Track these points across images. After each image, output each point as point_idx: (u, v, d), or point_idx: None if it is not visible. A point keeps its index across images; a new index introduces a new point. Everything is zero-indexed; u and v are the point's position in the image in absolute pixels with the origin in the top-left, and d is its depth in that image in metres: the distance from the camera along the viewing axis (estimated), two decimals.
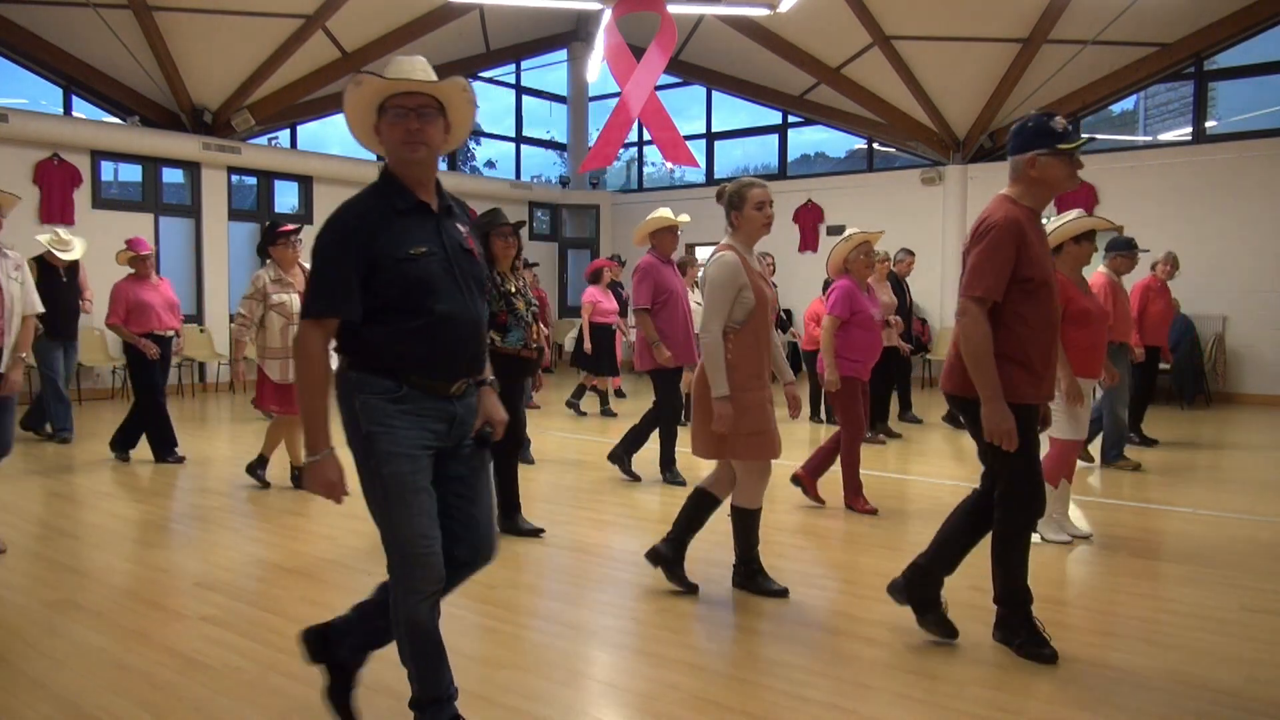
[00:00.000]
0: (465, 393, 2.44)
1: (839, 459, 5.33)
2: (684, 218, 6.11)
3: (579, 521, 5.18)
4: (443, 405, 2.37)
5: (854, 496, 5.29)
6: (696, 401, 3.71)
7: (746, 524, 3.82)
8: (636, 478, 6.18)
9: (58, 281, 7.53)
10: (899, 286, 8.58)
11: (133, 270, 6.87)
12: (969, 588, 3.65)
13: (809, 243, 14.12)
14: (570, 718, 2.76)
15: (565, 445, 7.94)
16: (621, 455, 6.24)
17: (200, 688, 2.90)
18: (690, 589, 3.83)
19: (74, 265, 7.77)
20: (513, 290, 4.58)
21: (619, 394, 10.95)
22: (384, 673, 3.02)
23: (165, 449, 6.80)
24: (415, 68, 2.33)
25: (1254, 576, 4.14)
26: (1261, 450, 7.75)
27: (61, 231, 7.86)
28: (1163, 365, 10.47)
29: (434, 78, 2.34)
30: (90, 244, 7.99)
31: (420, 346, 2.30)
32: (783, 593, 3.79)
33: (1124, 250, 6.29)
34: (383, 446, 2.29)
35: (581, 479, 6.36)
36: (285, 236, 5.77)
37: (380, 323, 2.28)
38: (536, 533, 4.77)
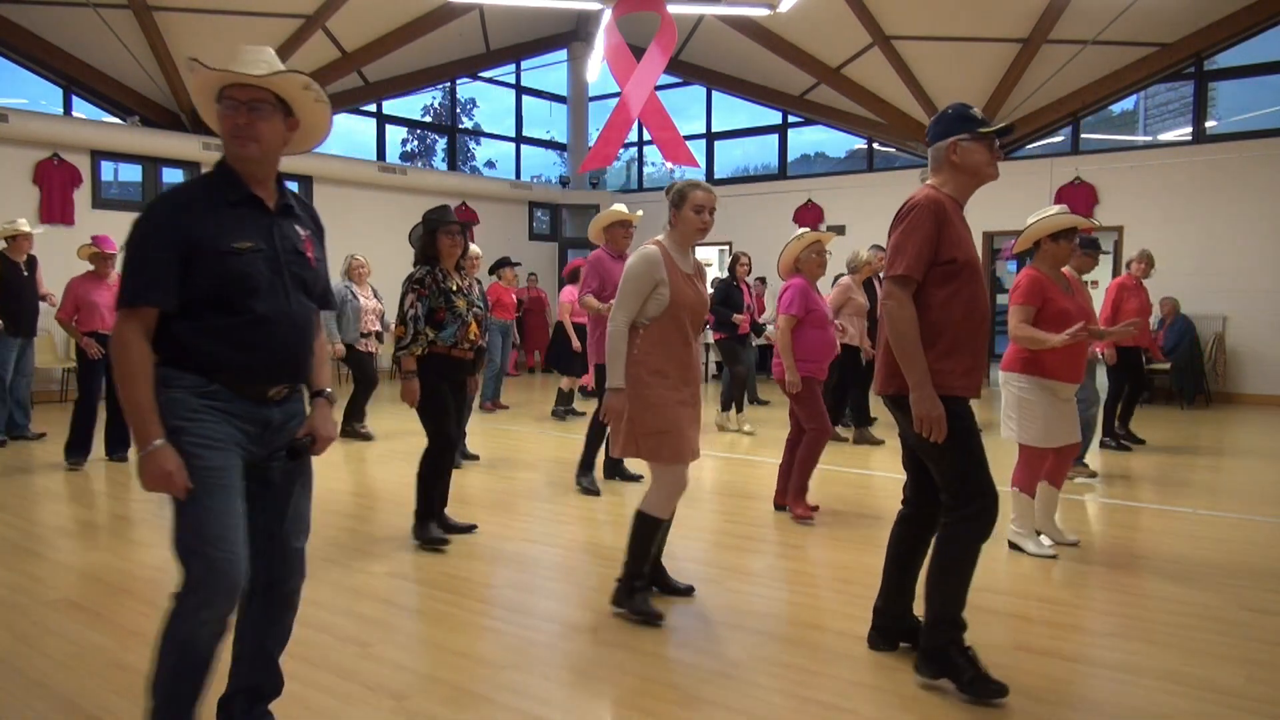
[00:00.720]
0: (285, 399, 2.32)
1: (797, 459, 5.15)
2: (639, 214, 6.02)
3: (578, 521, 5.18)
4: (255, 409, 2.24)
5: (796, 498, 5.12)
6: (631, 402, 3.54)
7: (642, 532, 3.56)
8: (636, 477, 6.18)
9: (19, 276, 7.43)
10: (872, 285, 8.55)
11: (92, 267, 6.82)
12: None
13: None
14: (570, 718, 2.76)
15: (563, 445, 7.94)
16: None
17: None
18: (653, 618, 3.53)
19: (32, 261, 7.69)
20: (453, 288, 4.51)
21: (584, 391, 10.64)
22: (384, 673, 3.02)
23: (79, 451, 6.63)
24: (252, 60, 2.20)
25: (1254, 576, 4.14)
26: (1261, 450, 7.74)
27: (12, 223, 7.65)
28: (1160, 365, 10.55)
29: (278, 69, 2.20)
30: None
31: (232, 346, 2.17)
32: (655, 619, 3.50)
33: (1087, 249, 6.19)
34: (188, 439, 2.12)
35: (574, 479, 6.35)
36: None
37: (193, 317, 2.15)
38: (469, 529, 4.80)
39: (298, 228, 2.36)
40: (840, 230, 13.62)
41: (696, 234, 3.59)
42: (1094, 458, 6.71)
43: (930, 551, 3.01)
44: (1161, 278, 11.38)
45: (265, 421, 2.27)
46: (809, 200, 14.21)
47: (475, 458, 6.97)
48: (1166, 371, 10.73)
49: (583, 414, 9.46)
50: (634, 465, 6.05)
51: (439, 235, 4.50)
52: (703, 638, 3.39)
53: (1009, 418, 4.48)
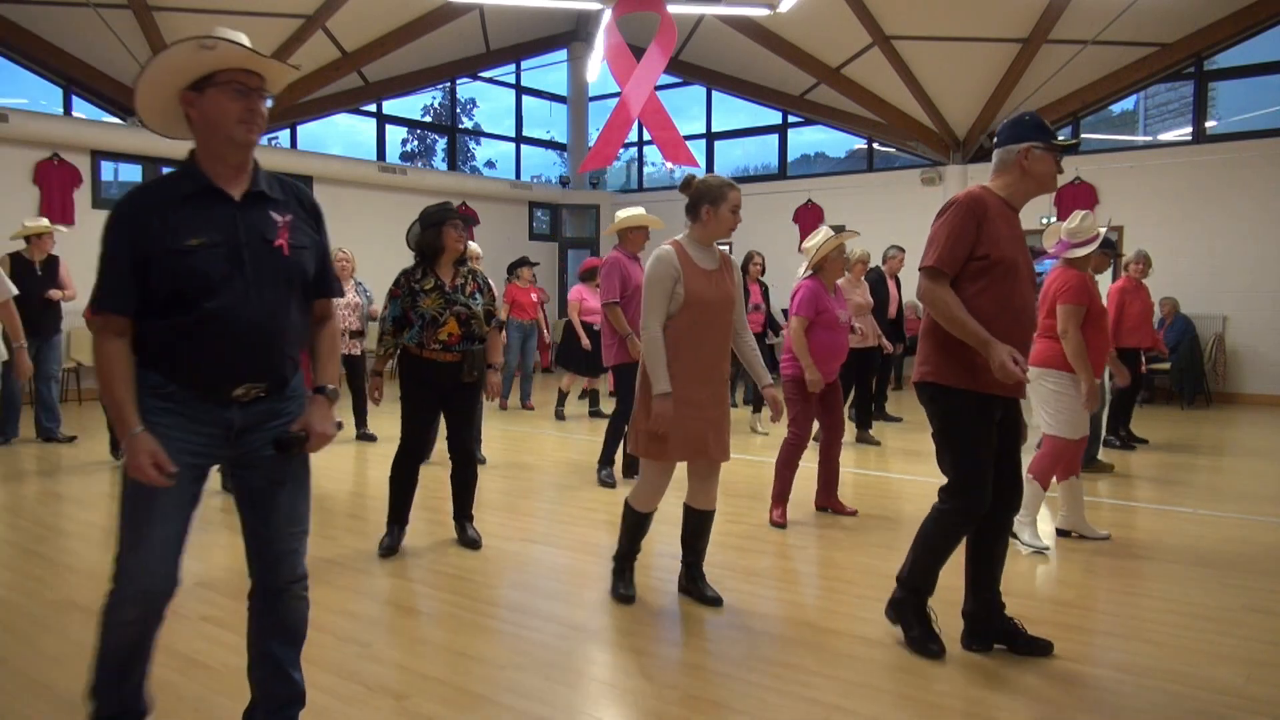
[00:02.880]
0: (259, 400, 2.23)
1: (775, 461, 5.13)
2: (659, 223, 6.10)
3: (578, 521, 5.18)
4: (217, 411, 2.19)
5: (777, 503, 5.10)
6: (638, 399, 3.63)
7: (627, 520, 3.82)
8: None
9: (30, 275, 7.45)
10: (883, 284, 8.60)
11: None
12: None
13: None
14: (570, 718, 2.76)
15: (563, 446, 7.94)
16: (604, 463, 6.24)
17: (200, 688, 2.90)
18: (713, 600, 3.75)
19: (52, 261, 7.73)
20: (428, 287, 4.34)
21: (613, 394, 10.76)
22: (384, 673, 3.02)
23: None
24: (242, 41, 2.12)
25: (1254, 576, 4.14)
26: (1262, 450, 7.75)
27: (28, 222, 7.87)
28: (1161, 365, 10.55)
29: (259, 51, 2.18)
30: (90, 244, 7.97)
31: (187, 345, 2.13)
32: (626, 600, 3.74)
33: (1104, 249, 6.25)
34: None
35: (580, 479, 6.36)
36: None
37: (154, 317, 2.13)
38: (475, 545, 4.61)
39: (273, 214, 2.23)
40: (840, 230, 13.64)
41: (727, 233, 3.64)
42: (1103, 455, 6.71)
43: (928, 521, 3.18)
44: (1161, 278, 11.39)
45: (228, 425, 2.20)
46: (809, 200, 14.21)
47: (482, 461, 6.89)
48: (1166, 371, 10.73)
49: (564, 418, 9.50)
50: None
51: (445, 229, 4.36)
52: (703, 638, 3.39)
53: (1042, 413, 4.63)
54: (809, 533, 4.91)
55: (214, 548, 4.62)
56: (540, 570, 4.29)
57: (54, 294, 7.69)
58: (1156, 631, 3.42)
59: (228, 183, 2.17)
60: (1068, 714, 2.74)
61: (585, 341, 9.09)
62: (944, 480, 3.15)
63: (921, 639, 3.17)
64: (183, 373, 2.16)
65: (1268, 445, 7.61)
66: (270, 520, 2.30)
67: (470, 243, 7.27)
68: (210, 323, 2.12)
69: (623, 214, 5.98)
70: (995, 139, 3.27)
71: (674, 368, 3.51)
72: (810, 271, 5.32)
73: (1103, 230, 5.05)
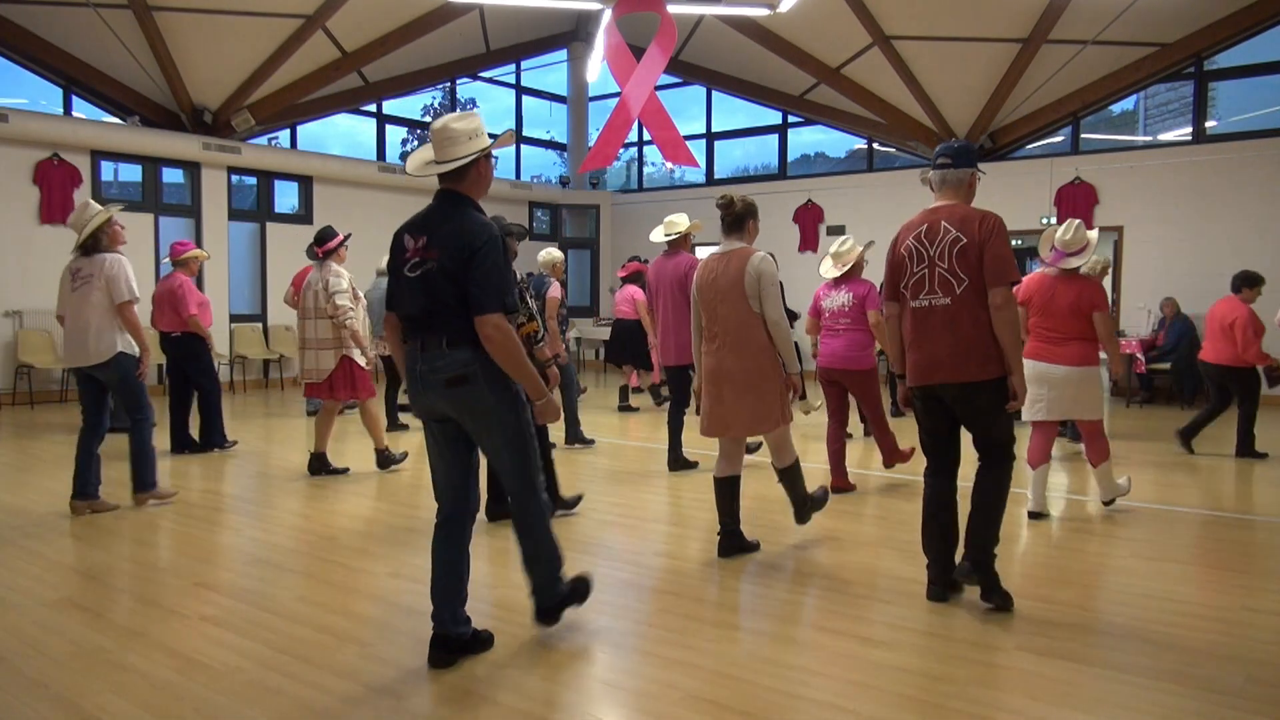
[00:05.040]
0: None
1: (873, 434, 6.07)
2: (699, 226, 6.86)
3: (578, 521, 5.18)
4: None
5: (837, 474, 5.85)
6: (776, 376, 4.23)
7: (798, 470, 4.52)
8: (694, 464, 6.56)
9: None
10: None
11: (177, 269, 7.47)
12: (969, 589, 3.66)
13: (809, 243, 14.13)
14: (570, 718, 2.76)
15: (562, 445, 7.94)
16: (674, 460, 6.59)
17: (200, 688, 2.90)
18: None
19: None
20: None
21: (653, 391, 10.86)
22: (384, 673, 3.02)
23: (219, 437, 7.56)
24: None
25: (1254, 576, 4.14)
26: (1261, 450, 7.73)
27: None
28: (1160, 365, 10.56)
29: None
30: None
31: None
32: (821, 500, 4.70)
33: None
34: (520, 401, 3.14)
35: (578, 480, 6.36)
36: (344, 242, 6.50)
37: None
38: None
39: None
40: (840, 230, 13.65)
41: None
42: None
43: (978, 506, 3.64)
44: (1161, 278, 11.42)
45: None
46: (809, 200, 14.21)
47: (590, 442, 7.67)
48: (1166, 371, 10.72)
49: (637, 409, 10.12)
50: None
51: (510, 241, 4.53)
52: (703, 637, 3.39)
53: (1083, 404, 5.14)
54: (807, 532, 4.90)
55: (214, 547, 4.62)
56: None
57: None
58: (1157, 631, 3.42)
59: None
60: (1068, 714, 2.74)
61: (653, 338, 9.13)
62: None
63: (1005, 593, 3.59)
64: None
65: (1268, 445, 7.58)
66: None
67: (551, 249, 7.66)
68: None
69: (683, 220, 6.61)
70: (953, 161, 3.75)
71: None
72: (839, 273, 5.88)
73: (1093, 238, 5.19)
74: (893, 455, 6.02)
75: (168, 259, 7.74)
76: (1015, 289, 3.62)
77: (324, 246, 6.36)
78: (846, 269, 5.83)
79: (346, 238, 6.50)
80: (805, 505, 4.55)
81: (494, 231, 3.01)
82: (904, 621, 3.48)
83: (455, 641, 3.10)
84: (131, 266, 5.27)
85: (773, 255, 4.35)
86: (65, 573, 4.16)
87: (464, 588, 3.16)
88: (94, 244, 5.20)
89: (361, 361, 6.39)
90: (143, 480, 5.39)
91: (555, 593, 3.32)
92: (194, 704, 2.78)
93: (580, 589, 3.42)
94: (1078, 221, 5.28)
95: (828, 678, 3.00)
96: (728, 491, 4.36)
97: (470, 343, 2.98)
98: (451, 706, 2.80)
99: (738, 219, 4.28)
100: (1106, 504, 5.34)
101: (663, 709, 2.77)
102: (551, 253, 8.14)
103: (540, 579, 3.28)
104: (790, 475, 4.47)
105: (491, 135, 3.18)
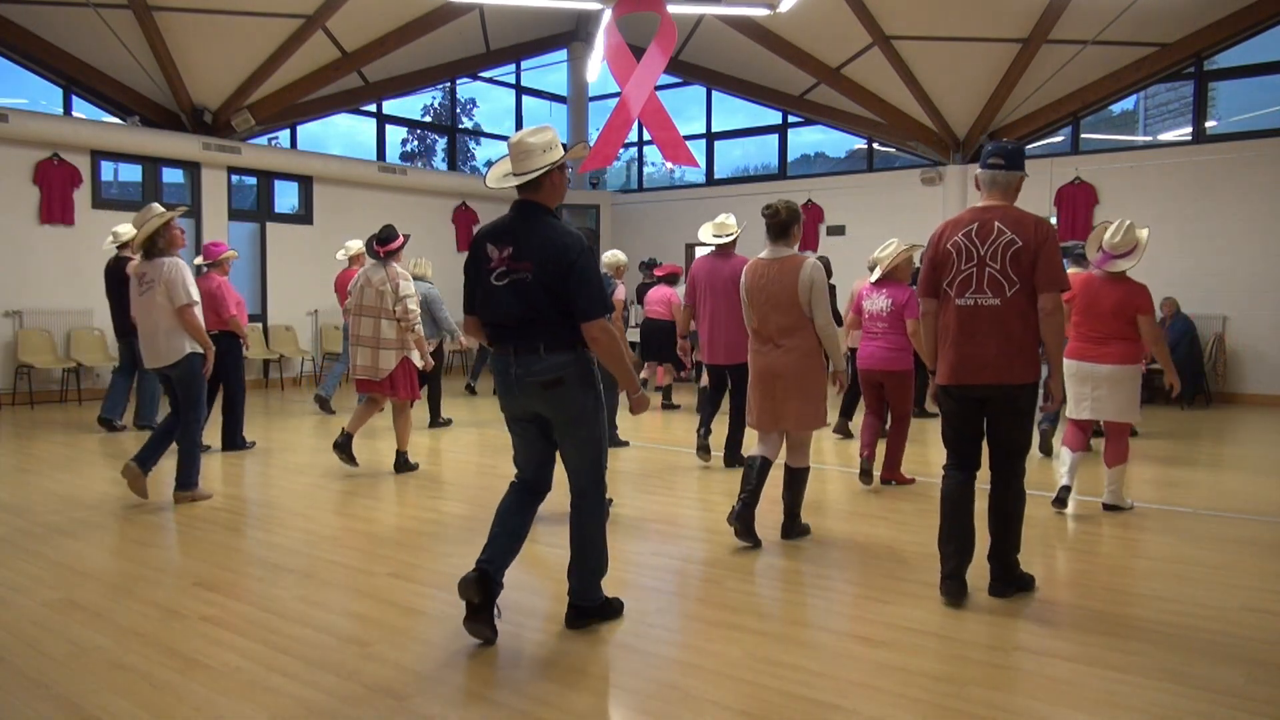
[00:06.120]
0: None
1: (888, 438, 6.10)
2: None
3: None
4: None
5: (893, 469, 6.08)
6: (819, 377, 4.50)
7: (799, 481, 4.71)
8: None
9: (121, 274, 7.56)
10: None
11: (210, 270, 7.42)
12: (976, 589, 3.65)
13: (809, 243, 14.11)
14: (570, 718, 2.76)
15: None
16: (732, 456, 6.67)
17: (200, 688, 2.90)
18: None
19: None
20: None
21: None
22: (384, 673, 3.02)
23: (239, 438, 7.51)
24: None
25: (1254, 576, 4.14)
26: (1261, 450, 7.74)
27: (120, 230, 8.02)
28: (1160, 365, 10.54)
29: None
30: (90, 244, 7.99)
31: None
32: (805, 530, 4.73)
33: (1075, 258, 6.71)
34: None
35: None
36: (406, 242, 6.48)
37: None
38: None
39: None
40: (840, 230, 13.66)
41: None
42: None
43: (999, 512, 3.72)
44: (1161, 278, 11.40)
45: None
46: (809, 200, 14.19)
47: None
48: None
49: (678, 406, 10.25)
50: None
51: None
52: (703, 638, 3.39)
53: (1120, 402, 5.19)
54: (812, 533, 4.91)
55: (214, 547, 4.62)
56: (541, 570, 4.29)
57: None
58: (1157, 631, 3.42)
59: None
60: (1068, 714, 2.74)
61: (683, 338, 9.19)
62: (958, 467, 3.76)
63: (1028, 576, 3.81)
64: None
65: (1267, 445, 7.60)
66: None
67: (616, 251, 7.73)
68: None
69: (733, 221, 6.66)
70: (1005, 162, 3.68)
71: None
72: (878, 277, 6.02)
73: (1144, 237, 5.14)
74: (894, 470, 6.08)
75: (199, 260, 7.70)
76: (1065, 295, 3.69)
77: (386, 246, 6.33)
78: (886, 272, 5.97)
79: (407, 238, 6.49)
80: (796, 519, 4.71)
81: (585, 243, 3.21)
82: (905, 622, 3.48)
83: (492, 583, 3.23)
84: (190, 270, 5.39)
85: (825, 260, 4.52)
86: (65, 573, 4.16)
87: (514, 553, 3.36)
88: (152, 247, 5.32)
89: (420, 364, 6.43)
90: (186, 479, 5.52)
91: (594, 598, 3.44)
92: (194, 704, 2.78)
93: (614, 606, 3.52)
94: (1129, 221, 5.19)
95: (829, 678, 3.00)
96: (756, 471, 4.51)
97: (565, 347, 3.21)
98: (451, 706, 2.79)
99: (784, 225, 4.55)
100: (1106, 507, 5.33)
101: (663, 709, 2.77)
102: (615, 254, 8.14)
103: (583, 581, 3.42)
104: (797, 479, 4.65)
105: (564, 146, 3.28)
